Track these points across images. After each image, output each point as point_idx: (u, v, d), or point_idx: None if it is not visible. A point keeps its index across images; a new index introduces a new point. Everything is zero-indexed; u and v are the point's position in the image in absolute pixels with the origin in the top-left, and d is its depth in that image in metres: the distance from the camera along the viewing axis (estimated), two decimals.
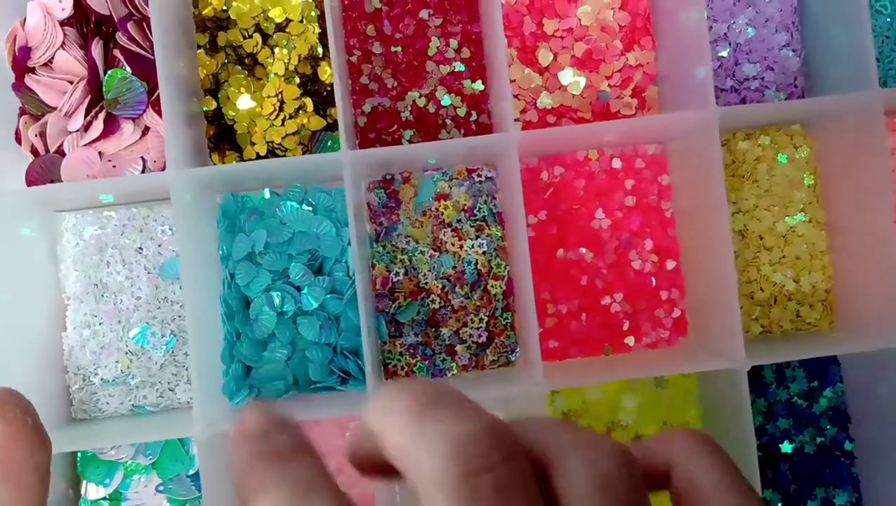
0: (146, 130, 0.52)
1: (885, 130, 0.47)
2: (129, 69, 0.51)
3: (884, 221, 0.48)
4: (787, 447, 0.54)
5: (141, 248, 0.54)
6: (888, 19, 0.55)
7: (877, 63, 0.54)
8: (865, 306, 0.51)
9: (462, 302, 0.54)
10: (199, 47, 0.54)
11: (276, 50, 0.54)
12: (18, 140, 0.52)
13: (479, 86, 0.55)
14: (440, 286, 0.54)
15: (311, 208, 0.54)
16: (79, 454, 0.53)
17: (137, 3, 0.51)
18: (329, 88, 0.54)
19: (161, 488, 0.53)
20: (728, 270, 0.47)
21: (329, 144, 0.53)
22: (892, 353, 0.48)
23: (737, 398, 0.47)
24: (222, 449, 0.48)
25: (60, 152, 0.51)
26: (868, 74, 0.47)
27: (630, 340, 0.55)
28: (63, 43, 0.51)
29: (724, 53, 0.55)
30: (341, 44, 0.53)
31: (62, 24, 0.52)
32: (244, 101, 0.53)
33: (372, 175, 0.56)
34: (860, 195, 0.50)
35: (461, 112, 0.55)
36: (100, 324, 0.53)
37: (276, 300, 0.51)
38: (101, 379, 0.53)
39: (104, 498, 0.53)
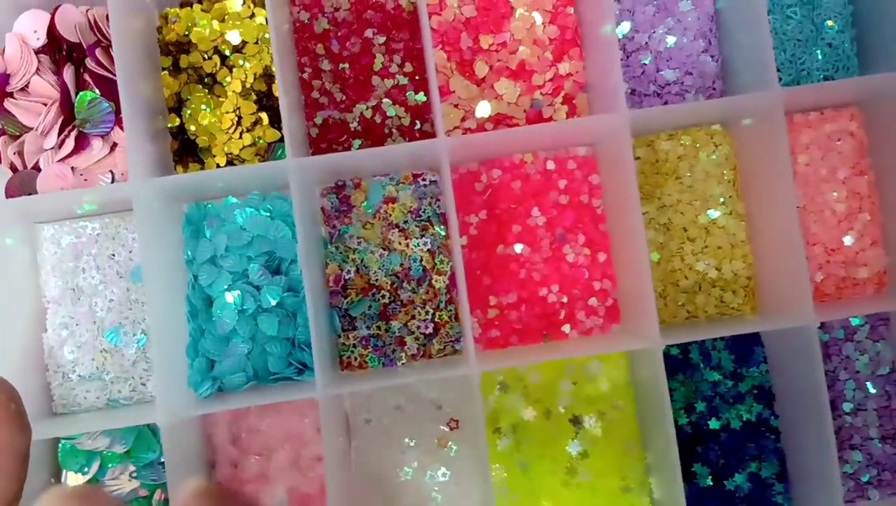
0: (114, 145, 0.57)
1: (785, 126, 0.52)
2: (97, 91, 0.56)
3: (788, 211, 0.52)
4: (714, 424, 0.58)
5: (113, 254, 0.59)
6: (799, 23, 0.59)
7: (789, 64, 0.59)
8: (781, 290, 0.56)
9: (410, 296, 0.59)
10: (163, 69, 0.59)
11: (234, 69, 0.59)
12: None
13: (421, 97, 0.60)
14: (389, 282, 0.59)
15: (269, 214, 0.59)
16: (59, 446, 0.58)
17: (104, 31, 0.57)
18: None
19: (135, 474, 0.57)
20: (643, 259, 0.51)
21: (279, 153, 0.58)
22: (807, 332, 0.52)
23: (657, 378, 0.51)
24: (186, 436, 0.53)
25: (37, 168, 0.56)
26: (769, 75, 0.52)
27: (566, 328, 0.59)
28: (38, 69, 0.56)
29: (647, 61, 0.59)
30: (290, 62, 0.58)
31: (37, 52, 0.57)
32: (205, 117, 0.58)
33: (325, 182, 0.60)
34: (770, 188, 0.55)
35: (406, 122, 0.60)
36: (76, 325, 0.58)
37: (230, 298, 0.56)
38: (79, 375, 0.58)
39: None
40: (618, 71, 0.51)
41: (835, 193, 0.59)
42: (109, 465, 0.58)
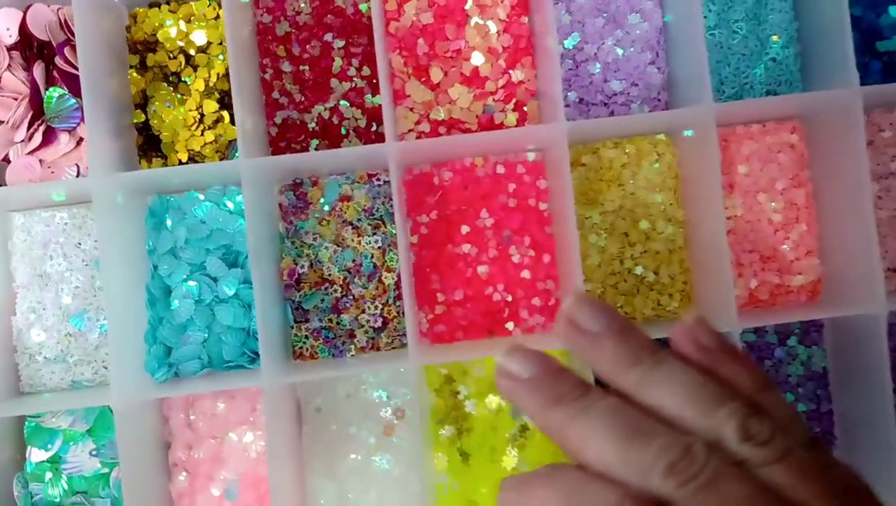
0: (80, 140, 0.60)
1: (717, 139, 0.54)
2: (65, 88, 0.59)
3: (718, 220, 0.55)
4: None
5: (80, 243, 0.62)
6: (744, 38, 0.61)
7: (733, 77, 0.61)
8: (710, 295, 0.58)
9: (361, 291, 0.62)
10: (130, 67, 0.62)
11: (198, 69, 0.61)
12: None
13: (378, 100, 0.62)
14: (342, 277, 0.62)
15: (228, 209, 0.61)
16: (26, 424, 0.61)
17: (74, 30, 0.59)
18: None
19: (94, 452, 0.61)
20: (577, 261, 0.54)
21: (237, 152, 0.60)
22: (730, 337, 0.54)
23: (589, 378, 0.54)
24: (139, 417, 0.56)
25: (6, 160, 0.59)
26: (704, 90, 0.54)
27: (510, 326, 0.62)
28: (9, 65, 0.59)
29: (595, 71, 0.61)
30: (252, 63, 0.60)
31: (9, 48, 0.59)
32: (169, 114, 0.61)
33: (284, 179, 0.63)
34: (705, 197, 0.57)
35: (362, 123, 0.62)
36: (43, 309, 0.61)
37: (185, 289, 0.59)
38: (45, 358, 0.61)
39: (46, 461, 0.61)
40: (558, 82, 0.54)
41: (773, 203, 0.61)
42: (71, 443, 0.61)
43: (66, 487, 0.61)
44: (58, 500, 0.61)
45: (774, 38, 0.61)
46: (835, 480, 0.23)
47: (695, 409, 0.24)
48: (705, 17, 0.61)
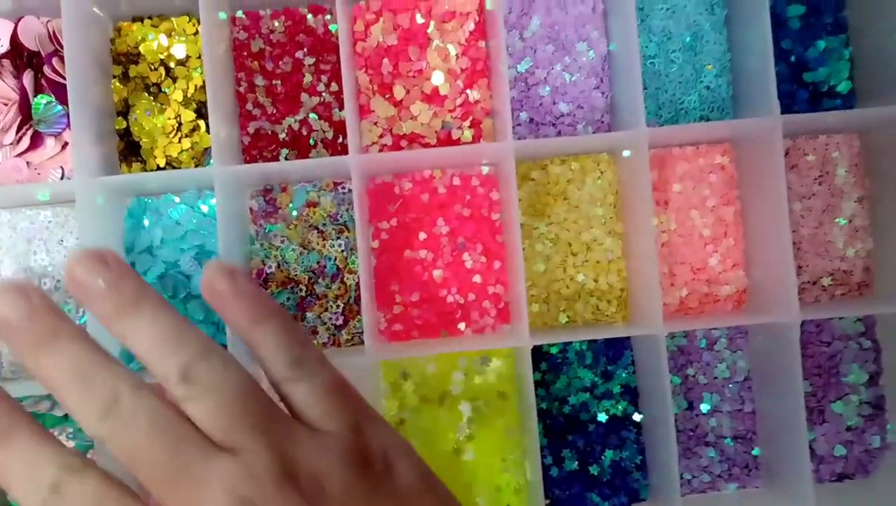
0: (65, 144, 0.64)
1: (647, 160, 0.59)
2: (52, 95, 0.63)
3: (648, 234, 0.60)
4: (584, 416, 0.66)
5: (62, 240, 0.66)
6: (680, 67, 0.67)
7: (669, 103, 0.67)
8: (642, 302, 0.64)
9: (324, 291, 0.67)
10: (113, 77, 0.66)
11: (177, 80, 0.66)
12: None
13: (345, 114, 0.67)
14: (307, 278, 0.67)
15: (204, 211, 0.66)
16: None
17: (62, 41, 0.63)
18: None
19: (71, 435, 0.65)
20: (519, 269, 0.59)
21: (211, 159, 0.65)
22: (656, 340, 0.60)
23: (526, 371, 0.60)
24: None
25: None
26: (637, 115, 0.59)
27: (462, 326, 0.67)
28: (0, 73, 0.63)
29: (545, 94, 0.67)
30: (228, 77, 0.65)
31: (0, 57, 0.64)
32: (148, 122, 0.65)
33: (255, 185, 0.68)
34: (639, 213, 0.62)
35: (329, 135, 0.67)
36: None
37: (160, 286, 0.63)
38: None
39: None
40: (507, 103, 0.59)
41: (703, 219, 0.67)
42: (52, 427, 0.66)
43: None
44: None
45: (709, 67, 0.67)
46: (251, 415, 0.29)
47: (155, 357, 0.29)
48: (646, 46, 0.67)
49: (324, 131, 0.67)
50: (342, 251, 0.67)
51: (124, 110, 0.67)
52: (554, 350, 0.67)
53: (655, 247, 0.60)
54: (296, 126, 0.67)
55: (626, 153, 0.64)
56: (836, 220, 0.68)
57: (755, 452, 0.68)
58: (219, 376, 0.28)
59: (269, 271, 0.66)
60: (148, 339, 0.29)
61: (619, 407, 0.67)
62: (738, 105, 0.68)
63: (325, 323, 0.66)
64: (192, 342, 0.29)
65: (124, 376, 0.28)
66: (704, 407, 0.68)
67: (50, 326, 0.29)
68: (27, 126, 0.63)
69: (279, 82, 0.67)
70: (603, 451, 0.66)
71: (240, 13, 0.67)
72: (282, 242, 0.67)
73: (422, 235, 0.67)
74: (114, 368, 0.28)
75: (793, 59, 0.68)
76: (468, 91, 0.68)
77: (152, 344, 0.28)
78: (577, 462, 0.66)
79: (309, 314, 0.66)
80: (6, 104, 0.63)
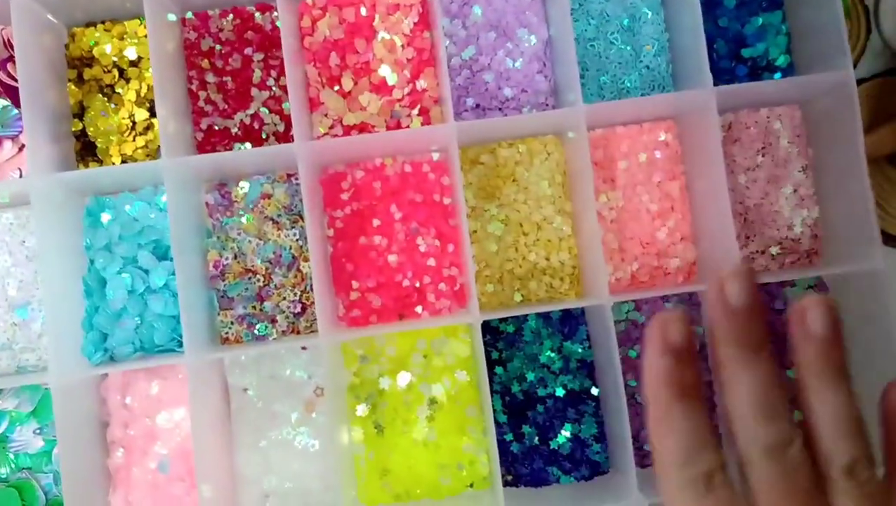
0: (23, 146, 0.66)
1: (587, 139, 0.61)
2: (8, 99, 0.65)
3: (590, 211, 0.62)
4: (542, 392, 0.67)
5: (24, 241, 0.68)
6: (619, 49, 0.69)
7: (611, 83, 0.68)
8: (591, 276, 0.65)
9: (281, 280, 0.68)
10: (69, 81, 0.68)
11: (130, 81, 0.68)
12: None
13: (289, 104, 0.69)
14: (264, 268, 0.68)
15: (161, 206, 0.68)
16: None
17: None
18: None
19: (38, 431, 0.66)
20: (467, 250, 0.61)
21: None
22: (603, 310, 0.61)
23: (478, 347, 0.61)
24: (75, 397, 0.62)
25: None
26: (575, 94, 0.61)
27: (419, 309, 0.69)
28: None
29: (490, 80, 0.69)
30: (179, 75, 0.67)
31: None
32: (104, 122, 0.67)
33: (210, 179, 0.69)
34: (583, 190, 0.64)
35: (281, 128, 0.69)
36: None
37: (119, 281, 0.65)
38: None
39: None
40: (448, 88, 0.61)
41: (649, 195, 0.69)
42: (17, 424, 0.67)
43: (12, 464, 0.66)
44: (5, 476, 0.66)
45: (647, 47, 0.69)
46: None
47: (833, 432, 0.28)
48: (585, 29, 0.69)
49: (275, 124, 0.69)
50: (297, 240, 0.68)
51: (80, 112, 0.68)
52: (510, 329, 0.68)
53: (598, 223, 0.61)
54: (247, 120, 0.69)
55: (570, 134, 0.66)
56: (782, 189, 0.70)
57: None
58: (875, 487, 0.27)
59: (226, 263, 0.68)
60: (835, 412, 0.28)
61: (577, 382, 0.68)
62: (677, 83, 0.70)
63: (283, 311, 0.68)
64: (867, 441, 0.28)
65: (800, 430, 0.28)
66: None
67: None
68: None
69: (229, 79, 0.69)
70: (562, 425, 0.67)
71: (189, 14, 0.69)
72: (238, 234, 0.68)
73: (376, 222, 0.69)
74: (793, 417, 0.28)
75: (730, 35, 0.70)
76: (416, 81, 0.69)
77: (837, 420, 0.27)
78: (537, 437, 0.67)
79: (267, 304, 0.68)
80: None
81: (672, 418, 0.28)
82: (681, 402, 0.28)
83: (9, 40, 0.66)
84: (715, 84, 0.61)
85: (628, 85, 0.69)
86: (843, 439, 0.27)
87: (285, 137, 0.69)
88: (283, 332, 0.68)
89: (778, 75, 0.70)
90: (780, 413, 0.28)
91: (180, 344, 0.65)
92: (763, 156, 0.70)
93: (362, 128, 0.69)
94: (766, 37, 0.70)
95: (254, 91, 0.69)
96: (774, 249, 0.70)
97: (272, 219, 0.68)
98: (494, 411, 0.66)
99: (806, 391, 0.29)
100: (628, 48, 0.69)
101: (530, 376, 0.68)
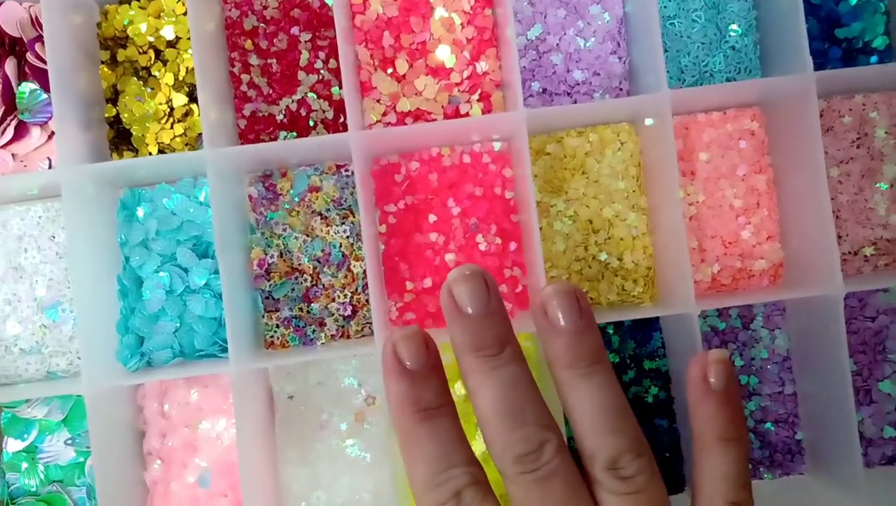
0: (52, 134, 0.61)
1: (672, 127, 0.55)
2: (37, 83, 0.60)
3: (675, 207, 0.56)
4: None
5: (54, 236, 0.63)
6: (703, 27, 0.62)
7: (692, 66, 0.62)
8: (672, 280, 0.59)
9: (330, 280, 0.63)
10: (101, 63, 0.63)
11: (167, 64, 0.62)
12: None
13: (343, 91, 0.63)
14: (311, 267, 0.63)
15: (201, 200, 0.62)
16: (2, 415, 0.62)
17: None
18: None
19: (69, 441, 0.62)
20: (536, 249, 0.55)
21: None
22: (688, 319, 0.55)
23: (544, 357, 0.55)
24: (109, 405, 0.57)
25: None
26: (660, 78, 0.55)
27: None
28: None
29: (558, 62, 0.62)
30: (220, 57, 0.61)
31: None
32: (139, 108, 0.62)
33: (253, 170, 0.64)
34: (665, 184, 0.58)
35: (329, 115, 0.63)
36: (18, 301, 0.62)
37: (156, 280, 0.60)
38: (20, 349, 0.62)
39: (23, 450, 0.62)
40: (517, 72, 0.55)
41: (733, 190, 0.62)
42: (47, 433, 0.62)
43: (42, 476, 0.62)
44: (34, 489, 0.62)
45: (733, 26, 0.62)
46: None
47: (590, 427, 0.27)
48: (664, 6, 0.62)
49: (323, 111, 0.63)
50: (347, 237, 0.63)
51: (114, 97, 0.63)
52: None
53: (683, 221, 0.55)
54: (294, 107, 0.63)
55: (648, 121, 0.60)
56: (877, 184, 0.63)
57: (798, 436, 0.63)
58: (643, 481, 0.27)
59: (271, 261, 0.62)
60: (591, 406, 0.27)
61: (650, 394, 0.62)
62: (766, 66, 0.63)
63: (332, 314, 0.62)
64: (630, 431, 0.28)
65: (554, 428, 0.27)
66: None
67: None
68: (11, 116, 0.60)
69: (274, 61, 0.63)
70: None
71: None
72: (283, 230, 0.63)
73: (432, 218, 0.63)
74: (546, 415, 0.28)
75: (823, 14, 0.63)
76: (476, 63, 0.63)
77: (594, 415, 0.27)
78: None
79: (315, 305, 0.62)
80: None
81: (417, 444, 0.27)
82: (422, 425, 0.27)
83: (37, 19, 0.61)
84: None
85: (712, 68, 0.62)
86: (604, 434, 0.27)
87: (334, 124, 0.63)
88: (332, 336, 0.62)
89: (874, 59, 0.64)
90: (525, 417, 0.27)
91: (222, 348, 0.60)
92: (858, 147, 0.63)
93: (417, 115, 0.63)
94: (862, 16, 0.63)
95: (300, 75, 0.63)
96: (868, 250, 0.63)
97: (320, 214, 0.63)
98: None
99: (561, 388, 0.28)
100: (712, 27, 0.62)
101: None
